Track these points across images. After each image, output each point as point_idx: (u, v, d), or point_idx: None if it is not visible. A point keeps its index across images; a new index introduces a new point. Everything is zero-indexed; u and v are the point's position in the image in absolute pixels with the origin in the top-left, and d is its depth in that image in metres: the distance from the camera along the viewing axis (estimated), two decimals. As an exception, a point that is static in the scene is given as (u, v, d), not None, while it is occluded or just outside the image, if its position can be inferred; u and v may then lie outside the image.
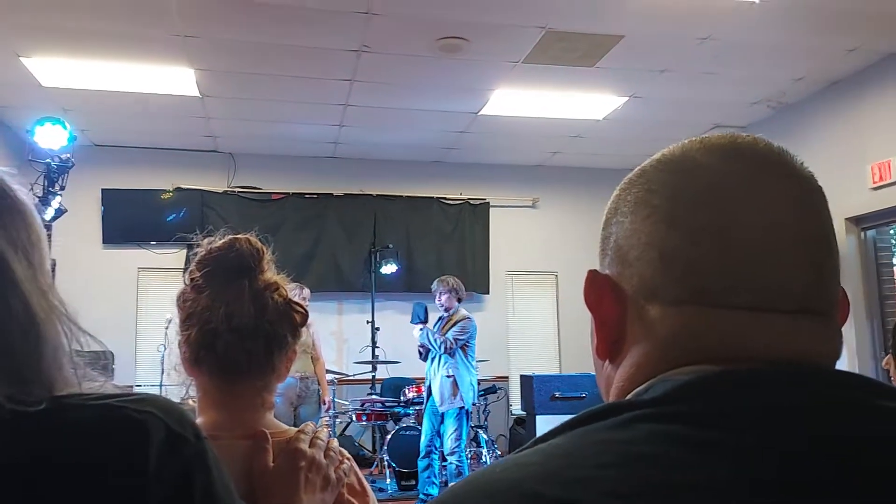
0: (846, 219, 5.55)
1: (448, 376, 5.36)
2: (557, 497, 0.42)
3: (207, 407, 1.05)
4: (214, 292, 1.03)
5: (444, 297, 5.51)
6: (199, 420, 1.05)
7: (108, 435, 0.59)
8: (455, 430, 5.35)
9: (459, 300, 5.62)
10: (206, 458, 0.63)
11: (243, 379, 1.05)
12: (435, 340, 5.35)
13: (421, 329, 5.46)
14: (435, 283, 5.63)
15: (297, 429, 1.09)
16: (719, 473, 0.42)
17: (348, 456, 1.11)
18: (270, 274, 1.09)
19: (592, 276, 0.57)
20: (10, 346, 0.61)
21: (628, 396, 0.52)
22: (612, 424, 0.46)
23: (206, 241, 1.09)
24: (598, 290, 0.56)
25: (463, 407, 5.37)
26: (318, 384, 5.67)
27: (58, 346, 0.65)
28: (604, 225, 0.59)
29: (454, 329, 5.39)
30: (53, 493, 0.57)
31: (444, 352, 5.35)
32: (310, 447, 1.05)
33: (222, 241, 1.08)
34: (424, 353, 5.59)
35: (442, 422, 5.46)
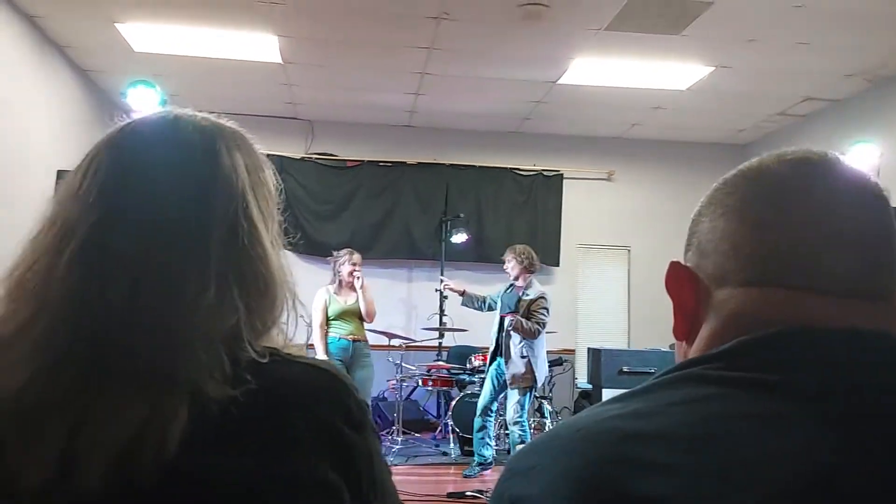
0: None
1: (523, 356, 5.21)
2: (632, 427, 0.52)
3: None
4: None
5: (509, 266, 5.39)
6: None
7: (322, 386, 0.72)
8: (518, 402, 5.26)
9: (531, 272, 5.42)
10: (371, 420, 0.76)
11: None
12: (522, 327, 5.15)
13: (510, 321, 5.22)
14: (507, 250, 5.52)
15: None
16: (755, 408, 0.51)
17: None
18: None
19: (675, 266, 0.66)
20: (255, 303, 0.72)
21: None
22: (677, 378, 0.57)
23: None
24: (679, 278, 0.65)
25: (533, 385, 5.28)
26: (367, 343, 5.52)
27: (282, 310, 0.75)
28: (690, 225, 0.67)
29: (539, 314, 5.20)
30: (286, 425, 0.68)
31: (532, 338, 5.17)
32: None
33: None
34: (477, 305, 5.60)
35: (505, 388, 5.40)
